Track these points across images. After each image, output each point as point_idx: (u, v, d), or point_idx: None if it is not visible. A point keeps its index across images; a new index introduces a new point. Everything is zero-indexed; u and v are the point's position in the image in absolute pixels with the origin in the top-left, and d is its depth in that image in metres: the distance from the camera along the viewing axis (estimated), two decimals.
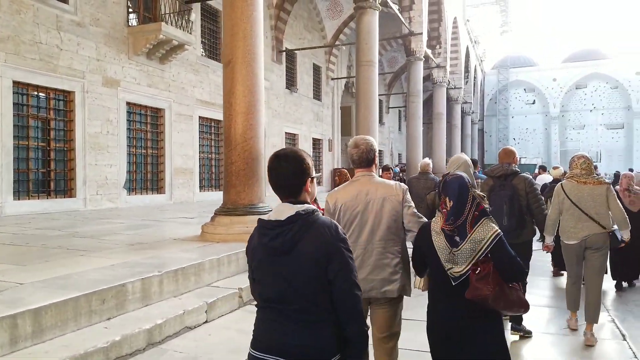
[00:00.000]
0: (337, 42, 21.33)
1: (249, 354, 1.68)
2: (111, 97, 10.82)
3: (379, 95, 30.26)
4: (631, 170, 10.11)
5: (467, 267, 2.16)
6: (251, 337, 1.71)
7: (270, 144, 17.57)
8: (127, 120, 11.33)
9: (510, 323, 4.05)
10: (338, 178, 6.42)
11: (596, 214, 4.02)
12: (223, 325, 3.86)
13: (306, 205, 1.69)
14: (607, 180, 4.27)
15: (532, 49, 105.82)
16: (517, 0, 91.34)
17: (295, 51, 19.13)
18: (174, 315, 3.57)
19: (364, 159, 2.65)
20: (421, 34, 15.85)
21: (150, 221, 8.16)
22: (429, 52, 18.83)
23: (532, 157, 36.62)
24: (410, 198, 2.67)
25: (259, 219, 1.74)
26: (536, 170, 18.86)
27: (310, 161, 1.75)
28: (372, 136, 11.05)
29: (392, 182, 2.70)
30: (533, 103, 40.81)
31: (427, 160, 7.63)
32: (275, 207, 1.72)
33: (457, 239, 2.19)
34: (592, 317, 3.99)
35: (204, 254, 4.83)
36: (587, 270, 4.18)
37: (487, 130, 41.82)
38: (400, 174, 17.98)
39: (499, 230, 2.23)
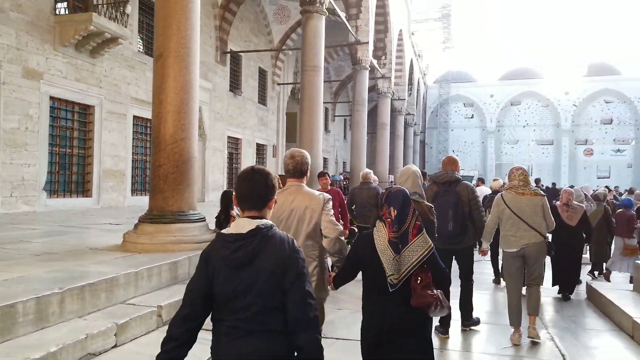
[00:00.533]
0: (283, 47, 21.05)
1: None
2: (32, 90, 9.87)
3: (325, 103, 30.21)
4: (571, 186, 10.67)
5: (406, 274, 2.32)
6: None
7: (211, 147, 16.94)
8: (50, 116, 10.38)
9: (461, 320, 4.43)
10: (283, 185, 6.19)
11: (534, 223, 4.26)
12: (135, 350, 3.38)
13: (264, 220, 1.79)
14: (542, 192, 4.51)
15: (472, 65, 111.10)
16: (459, 18, 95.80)
17: (241, 53, 18.65)
18: (73, 340, 3.05)
19: (297, 170, 2.92)
20: (367, 43, 15.90)
21: (69, 227, 7.40)
22: (374, 62, 18.97)
23: (470, 170, 37.88)
24: (330, 207, 2.87)
25: (219, 232, 1.82)
26: (474, 182, 19.44)
27: (276, 182, 1.90)
28: (316, 142, 10.84)
29: (317, 192, 2.93)
30: (472, 117, 42.51)
31: (368, 170, 7.69)
32: (234, 223, 1.81)
33: (400, 246, 2.35)
34: (534, 310, 4.30)
35: (120, 266, 4.30)
36: (529, 273, 4.42)
37: (429, 142, 43.06)
38: (343, 182, 17.89)
39: (432, 245, 2.45)
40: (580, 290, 6.28)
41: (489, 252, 5.42)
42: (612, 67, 41.81)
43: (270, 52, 21.05)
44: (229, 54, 17.77)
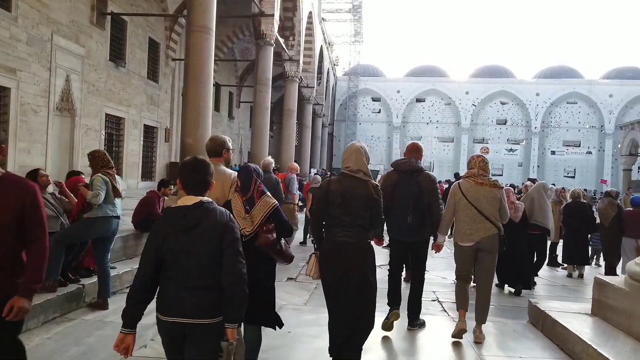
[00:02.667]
0: (178, 15, 18.52)
1: (157, 317, 2.16)
2: None
3: (229, 86, 27.87)
4: (512, 185, 10.35)
5: (255, 227, 2.94)
6: None
7: (82, 125, 14.10)
8: None
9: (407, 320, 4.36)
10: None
11: (491, 215, 4.08)
12: None
13: (206, 197, 2.26)
14: (502, 184, 4.33)
15: (381, 60, 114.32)
16: (370, 12, 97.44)
17: (125, 17, 15.88)
18: None
19: (214, 151, 3.66)
20: (272, 16, 14.14)
21: None
22: (281, 41, 17.30)
23: (376, 164, 37.90)
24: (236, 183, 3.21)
25: (168, 207, 2.66)
26: (379, 176, 18.69)
27: (213, 170, 2.36)
28: (203, 120, 8.87)
29: (229, 171, 3.55)
30: (379, 112, 42.61)
31: (269, 158, 7.49)
32: (181, 199, 2.25)
33: (248, 207, 2.99)
34: (482, 318, 4.12)
35: None
36: (479, 272, 4.22)
37: (337, 135, 42.46)
38: None
39: (276, 202, 3.06)
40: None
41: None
42: (508, 70, 44.26)
43: (164, 21, 18.44)
44: (109, 16, 14.96)
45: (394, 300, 4.38)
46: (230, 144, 3.75)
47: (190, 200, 2.18)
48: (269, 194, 3.06)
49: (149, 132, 18.91)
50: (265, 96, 14.54)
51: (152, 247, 2.16)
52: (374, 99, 42.64)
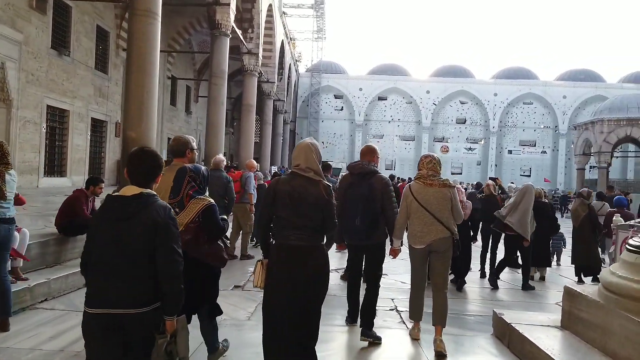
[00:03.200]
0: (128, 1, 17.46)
1: (84, 311, 2.12)
2: None
3: (187, 80, 26.78)
4: (460, 183, 9.92)
5: (182, 228, 2.87)
6: None
7: (21, 117, 12.97)
8: None
9: (361, 328, 4.17)
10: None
11: (442, 217, 4.02)
12: None
13: (149, 190, 2.22)
14: (452, 183, 4.22)
15: (344, 57, 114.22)
16: (332, 9, 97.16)
17: (69, 2, 14.79)
18: None
19: (176, 150, 3.67)
20: (228, 4, 13.44)
21: None
22: (239, 32, 16.59)
23: (338, 162, 37.65)
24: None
25: (108, 195, 2.26)
26: (342, 174, 18.32)
27: (163, 162, 2.35)
28: (148, 112, 8.03)
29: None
30: (341, 109, 42.37)
31: (220, 156, 7.21)
32: (123, 188, 2.22)
33: (177, 210, 3.02)
34: (441, 321, 4.02)
35: None
36: (432, 275, 4.15)
37: (299, 132, 41.91)
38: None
39: (209, 202, 3.14)
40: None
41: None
42: (467, 70, 44.98)
43: (114, 9, 17.38)
44: (51, 0, 13.86)
45: (353, 313, 4.20)
46: (194, 144, 3.76)
47: (130, 190, 2.17)
48: (203, 196, 3.15)
49: (98, 126, 17.81)
50: (220, 89, 13.82)
51: (90, 234, 2.23)
52: (336, 97, 42.36)
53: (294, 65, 37.35)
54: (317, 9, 39.89)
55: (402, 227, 4.18)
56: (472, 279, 7.18)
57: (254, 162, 9.08)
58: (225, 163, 6.75)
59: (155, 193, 2.24)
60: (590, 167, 25.76)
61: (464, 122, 42.05)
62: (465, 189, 14.96)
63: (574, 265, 7.54)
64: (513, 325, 3.66)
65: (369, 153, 4.30)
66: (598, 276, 7.59)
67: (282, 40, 27.36)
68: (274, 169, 24.51)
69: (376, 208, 4.01)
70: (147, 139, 7.88)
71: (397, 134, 42.12)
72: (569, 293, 3.51)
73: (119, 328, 2.07)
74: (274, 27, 23.75)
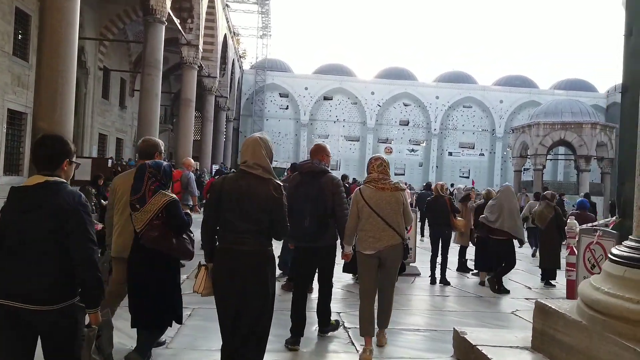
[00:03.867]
0: None
1: None
2: None
3: (121, 72, 25.02)
4: (406, 184, 9.52)
5: (145, 224, 3.05)
6: None
7: None
8: None
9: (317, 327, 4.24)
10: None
11: (394, 222, 3.91)
12: None
13: (55, 178, 2.13)
14: (403, 186, 4.12)
15: (289, 56, 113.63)
16: (279, 6, 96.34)
17: None
18: None
19: (145, 152, 3.71)
20: None
21: None
22: (177, 22, 15.52)
23: (283, 161, 36.96)
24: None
25: (12, 186, 2.16)
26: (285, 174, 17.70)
27: (72, 147, 2.23)
28: (65, 99, 7.07)
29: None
30: (287, 108, 41.66)
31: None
32: (28, 179, 2.14)
33: (138, 206, 3.11)
34: (384, 323, 4.07)
35: None
36: (381, 279, 4.05)
37: (243, 130, 40.76)
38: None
39: (172, 197, 3.17)
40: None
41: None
42: (411, 73, 45.69)
43: None
44: None
45: (296, 325, 3.98)
46: (162, 147, 3.81)
47: (34, 180, 2.10)
48: (167, 192, 3.19)
49: (17, 118, 16.06)
50: (154, 81, 12.75)
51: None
52: (281, 95, 41.60)
53: (238, 61, 36.24)
54: (262, 5, 38.94)
55: (352, 232, 3.99)
56: (422, 286, 6.80)
57: (191, 160, 8.27)
58: (193, 162, 6.35)
59: (63, 180, 2.16)
60: (524, 169, 26.70)
61: (407, 124, 42.66)
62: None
63: (540, 269, 7.47)
64: (478, 347, 3.19)
65: (320, 152, 4.17)
66: (551, 281, 7.65)
67: (225, 34, 26.30)
68: (215, 167, 23.44)
69: (326, 209, 3.88)
70: (63, 131, 6.88)
71: (342, 134, 42.00)
72: (541, 310, 3.08)
73: (24, 324, 1.99)
74: (216, 20, 22.69)
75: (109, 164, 15.22)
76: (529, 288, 6.92)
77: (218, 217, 2.83)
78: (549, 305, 3.04)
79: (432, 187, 8.42)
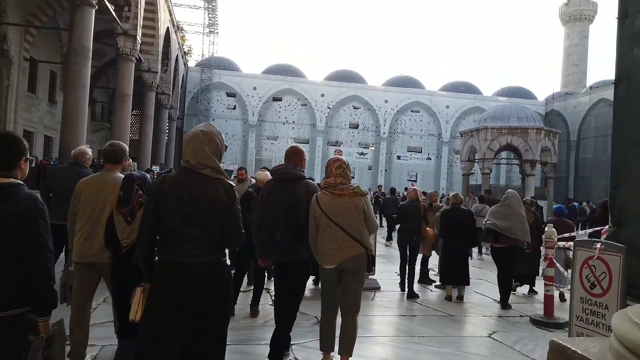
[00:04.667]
0: None
1: None
2: None
3: (51, 64, 22.83)
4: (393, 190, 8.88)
5: (133, 239, 3.04)
6: None
7: None
8: None
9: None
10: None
11: (355, 231, 3.56)
12: None
13: (12, 180, 2.02)
14: (365, 191, 3.71)
15: (237, 54, 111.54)
16: (226, 4, 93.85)
17: None
18: None
19: (112, 156, 3.54)
20: None
21: None
22: (110, 7, 14.08)
23: (230, 163, 35.65)
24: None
25: None
26: (232, 176, 16.65)
27: (25, 145, 2.13)
28: None
29: (119, 179, 3.35)
30: (234, 108, 40.28)
31: (83, 147, 6.23)
32: None
33: (130, 219, 3.11)
34: (348, 349, 3.61)
35: None
36: (343, 296, 3.66)
37: (187, 130, 38.76)
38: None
39: None
40: None
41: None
42: (360, 76, 45.62)
43: None
44: None
45: (276, 344, 3.64)
46: (125, 152, 3.72)
47: None
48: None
49: None
50: (82, 70, 11.32)
51: None
52: (229, 94, 40.17)
53: (183, 57, 34.55)
54: (208, 1, 37.52)
55: (313, 244, 3.63)
56: (384, 303, 6.05)
57: (120, 148, 7.15)
58: (90, 157, 5.61)
59: (20, 182, 2.06)
60: (470, 173, 27.00)
61: (357, 127, 42.49)
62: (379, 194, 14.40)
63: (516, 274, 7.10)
64: None
65: (295, 156, 3.86)
66: (534, 288, 7.41)
67: (168, 28, 24.76)
68: (156, 168, 21.88)
69: (300, 219, 3.57)
70: None
71: (291, 136, 41.14)
72: (559, 351, 2.37)
73: None
74: (158, 11, 21.21)
75: (32, 164, 13.56)
76: (498, 302, 6.35)
77: (157, 224, 2.41)
78: (571, 347, 2.32)
79: (407, 192, 7.77)
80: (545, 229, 5.54)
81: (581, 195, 35.32)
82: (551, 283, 5.07)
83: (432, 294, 6.84)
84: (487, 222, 6.49)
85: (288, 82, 40.74)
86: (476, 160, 24.31)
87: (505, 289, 6.30)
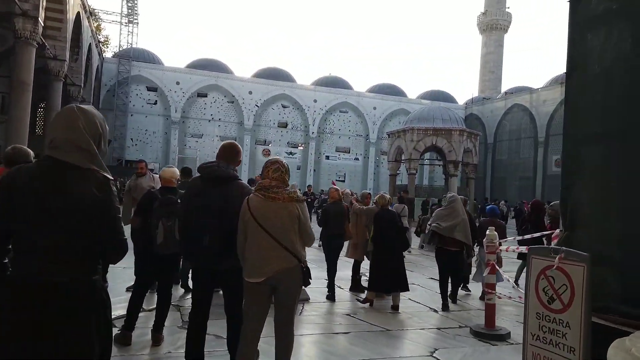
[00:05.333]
0: None
1: None
2: None
3: None
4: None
5: None
6: None
7: None
8: None
9: None
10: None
11: (286, 240, 3.16)
12: None
13: None
14: (301, 197, 3.32)
15: (159, 47, 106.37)
16: None
17: None
18: None
19: (14, 161, 3.48)
20: None
21: None
22: None
23: (150, 162, 33.57)
24: None
25: None
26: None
27: None
28: None
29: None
30: (155, 103, 38.03)
31: None
32: None
33: None
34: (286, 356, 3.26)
35: None
36: (276, 317, 3.26)
37: None
38: None
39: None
40: None
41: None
42: (289, 74, 45.08)
43: None
44: None
45: None
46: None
47: None
48: None
49: None
50: None
51: None
52: (149, 89, 37.85)
53: (97, 47, 31.92)
54: None
55: (242, 252, 3.23)
56: (311, 319, 5.43)
57: (23, 152, 5.90)
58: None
59: None
60: (396, 173, 27.41)
61: (286, 126, 41.88)
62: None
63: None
64: None
65: (229, 153, 3.50)
66: (468, 285, 7.41)
67: (79, 13, 22.58)
68: None
69: (232, 224, 3.22)
70: None
71: (217, 134, 39.61)
72: None
73: None
74: None
75: None
76: (435, 311, 5.99)
77: (8, 230, 1.87)
78: None
79: (329, 192, 7.30)
80: (487, 232, 5.25)
81: (497, 195, 37.29)
82: (492, 291, 4.76)
83: (360, 305, 6.31)
84: (432, 224, 6.42)
85: (214, 77, 39.20)
86: (403, 161, 24.64)
87: (445, 291, 6.30)
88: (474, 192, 24.94)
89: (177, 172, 4.45)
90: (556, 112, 36.30)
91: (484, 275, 4.97)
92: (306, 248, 3.35)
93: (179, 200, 3.92)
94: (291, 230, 3.19)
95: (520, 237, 6.57)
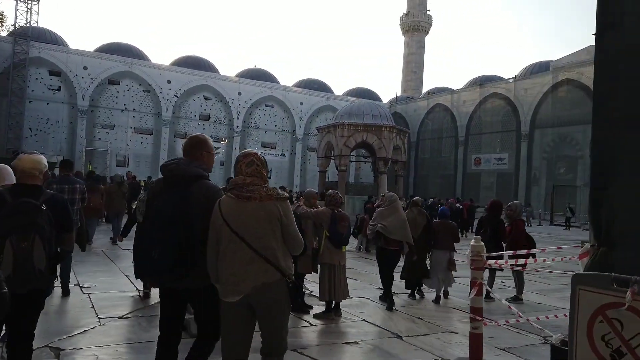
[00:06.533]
0: None
1: None
2: None
3: None
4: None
5: None
6: None
7: None
8: None
9: None
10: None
11: (265, 248, 2.66)
12: None
13: None
14: (283, 194, 2.82)
15: (64, 28, 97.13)
16: None
17: None
18: None
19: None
20: None
21: None
22: None
23: (52, 154, 29.95)
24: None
25: None
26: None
27: None
28: None
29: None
30: (58, 90, 34.04)
31: None
32: None
33: None
34: None
35: None
36: (263, 336, 2.76)
37: None
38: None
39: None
40: None
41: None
42: (212, 64, 42.72)
43: None
44: None
45: None
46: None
47: None
48: None
49: None
50: None
51: None
52: (52, 73, 33.80)
53: None
54: None
55: (212, 267, 2.69)
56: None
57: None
58: None
59: None
60: (325, 170, 26.68)
61: (208, 119, 39.63)
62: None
63: (404, 279, 6.95)
64: None
65: (197, 147, 2.97)
66: (423, 287, 7.09)
67: None
68: None
69: (190, 233, 2.64)
70: None
71: (131, 125, 36.44)
72: None
73: None
74: None
75: None
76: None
77: None
78: None
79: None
80: (472, 243, 4.33)
81: (420, 193, 37.97)
82: (479, 318, 3.85)
83: (310, 328, 5.15)
84: (376, 224, 6.17)
85: (128, 63, 35.95)
86: (333, 157, 23.87)
87: (389, 285, 6.31)
88: (402, 189, 24.80)
89: (44, 160, 2.91)
90: (475, 113, 37.71)
91: (470, 297, 4.04)
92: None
93: (43, 207, 2.54)
94: (271, 236, 2.68)
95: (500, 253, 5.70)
